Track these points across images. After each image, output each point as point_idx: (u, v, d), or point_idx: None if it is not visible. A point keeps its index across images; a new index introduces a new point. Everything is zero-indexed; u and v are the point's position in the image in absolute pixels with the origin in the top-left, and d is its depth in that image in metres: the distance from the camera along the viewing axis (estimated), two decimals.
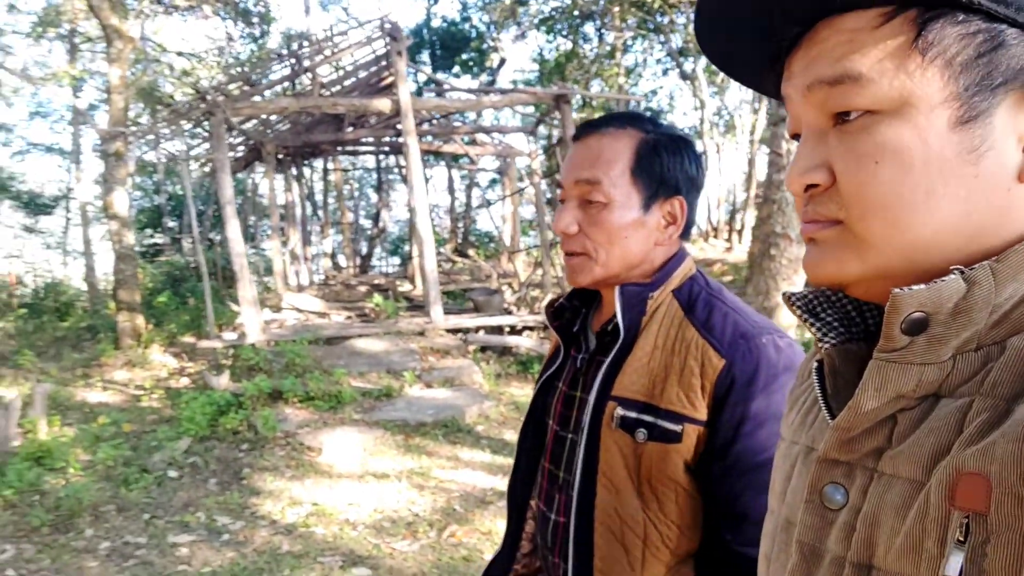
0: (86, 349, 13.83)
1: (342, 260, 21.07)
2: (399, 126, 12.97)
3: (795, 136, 0.59)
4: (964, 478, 0.44)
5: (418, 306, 11.65)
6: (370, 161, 22.36)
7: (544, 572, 1.26)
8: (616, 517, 1.08)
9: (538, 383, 1.30)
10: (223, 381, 7.78)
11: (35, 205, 20.36)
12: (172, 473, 6.16)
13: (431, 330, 9.48)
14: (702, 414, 1.04)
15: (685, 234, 1.20)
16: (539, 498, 1.26)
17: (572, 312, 1.28)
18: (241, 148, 13.16)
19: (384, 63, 10.02)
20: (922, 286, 0.48)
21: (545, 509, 1.23)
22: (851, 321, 0.60)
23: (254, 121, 10.75)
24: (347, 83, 10.65)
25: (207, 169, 11.01)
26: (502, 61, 21.49)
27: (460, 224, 22.69)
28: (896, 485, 0.50)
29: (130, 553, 4.75)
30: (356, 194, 28.35)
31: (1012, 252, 0.49)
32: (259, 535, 4.96)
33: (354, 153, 16.15)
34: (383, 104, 9.10)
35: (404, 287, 13.86)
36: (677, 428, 1.04)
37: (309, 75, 9.37)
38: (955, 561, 0.43)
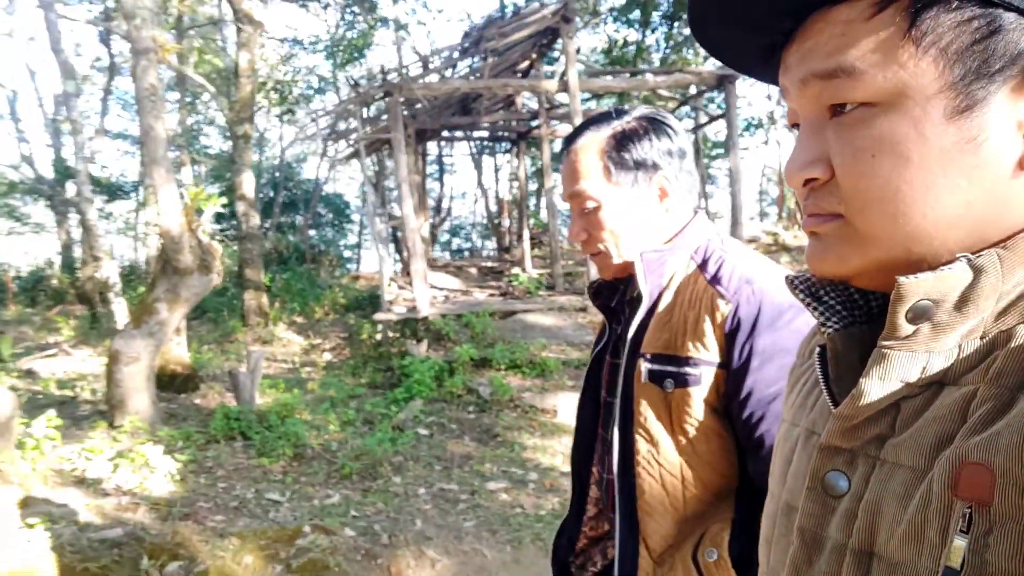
0: (200, 327, 14.08)
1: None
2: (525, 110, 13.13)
3: (794, 126, 0.58)
4: (968, 468, 0.44)
5: (550, 286, 11.84)
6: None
7: (611, 532, 1.33)
8: (655, 463, 1.16)
9: (590, 359, 1.41)
10: (422, 349, 7.99)
11: (113, 190, 20.58)
12: (422, 431, 6.37)
13: (591, 306, 9.68)
14: (716, 356, 1.13)
15: (690, 199, 1.29)
16: (599, 463, 1.35)
17: (610, 289, 1.38)
18: (350, 132, 13.33)
19: (543, 43, 10.20)
20: (928, 274, 0.48)
21: (602, 471, 1.32)
22: (854, 304, 0.59)
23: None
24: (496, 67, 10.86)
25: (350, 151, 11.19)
26: (576, 50, 21.62)
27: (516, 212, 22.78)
28: (899, 473, 0.49)
29: (453, 498, 4.95)
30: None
31: (1020, 239, 0.48)
32: (564, 484, 5.16)
33: (470, 138, 16.32)
34: (550, 84, 9.28)
35: (514, 270, 14.04)
36: (696, 372, 1.13)
37: (480, 56, 9.57)
38: (957, 550, 0.43)
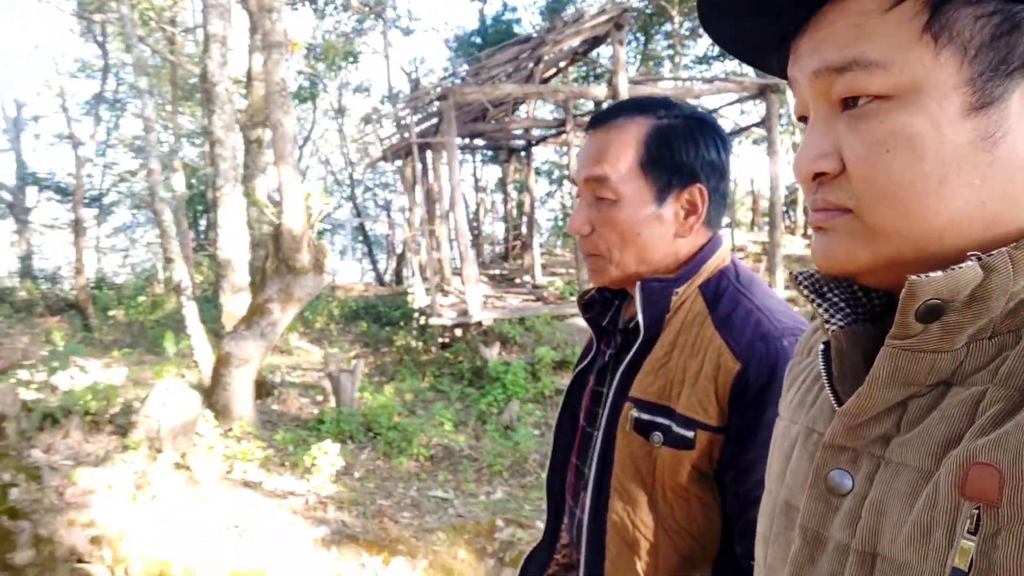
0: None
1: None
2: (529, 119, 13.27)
3: (802, 118, 0.57)
4: (976, 468, 0.43)
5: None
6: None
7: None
8: (628, 522, 1.04)
9: (572, 376, 1.29)
10: (494, 352, 8.00)
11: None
12: (533, 431, 6.39)
13: None
14: (715, 420, 0.99)
15: (715, 222, 1.13)
16: (569, 492, 1.23)
17: (603, 304, 1.24)
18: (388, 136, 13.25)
19: (580, 51, 10.37)
20: (939, 273, 0.47)
21: (572, 504, 1.20)
22: (858, 302, 0.58)
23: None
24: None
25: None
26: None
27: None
28: (904, 473, 0.49)
29: None
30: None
31: None
32: None
33: (487, 147, 16.35)
34: (600, 91, 9.45)
35: (524, 278, 14.14)
36: (690, 434, 0.99)
37: (532, 62, 9.67)
38: (964, 552, 0.42)
